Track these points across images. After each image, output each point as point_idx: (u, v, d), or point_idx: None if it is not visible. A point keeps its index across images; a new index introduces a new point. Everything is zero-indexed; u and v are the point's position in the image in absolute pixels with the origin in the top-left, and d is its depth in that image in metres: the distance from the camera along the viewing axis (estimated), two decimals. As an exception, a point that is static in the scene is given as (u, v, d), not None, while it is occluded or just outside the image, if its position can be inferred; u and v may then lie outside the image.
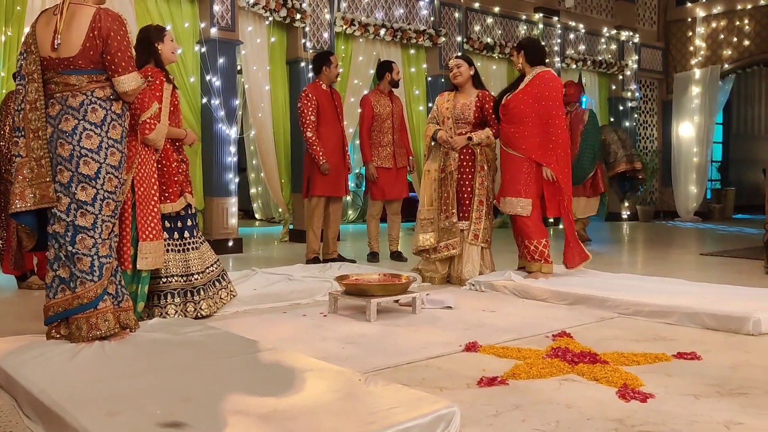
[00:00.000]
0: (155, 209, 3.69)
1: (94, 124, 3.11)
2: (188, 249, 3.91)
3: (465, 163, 5.09)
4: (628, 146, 8.48)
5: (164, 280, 3.81)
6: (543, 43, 10.89)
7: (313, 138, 5.86)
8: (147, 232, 3.60)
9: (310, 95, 5.93)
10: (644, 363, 2.94)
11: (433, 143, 5.20)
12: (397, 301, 4.11)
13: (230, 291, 4.09)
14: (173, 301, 3.80)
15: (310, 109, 5.88)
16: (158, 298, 3.80)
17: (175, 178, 3.89)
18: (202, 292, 3.90)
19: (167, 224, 3.87)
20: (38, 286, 4.77)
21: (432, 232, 5.07)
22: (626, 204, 12.09)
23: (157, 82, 3.82)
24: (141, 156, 3.61)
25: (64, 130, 3.09)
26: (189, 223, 3.95)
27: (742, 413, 2.33)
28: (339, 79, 6.46)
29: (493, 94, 5.34)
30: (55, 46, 3.08)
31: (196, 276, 3.90)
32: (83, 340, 3.09)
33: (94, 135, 3.11)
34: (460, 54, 5.33)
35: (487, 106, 5.13)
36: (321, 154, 5.85)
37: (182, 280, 3.86)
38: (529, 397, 2.51)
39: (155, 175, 3.73)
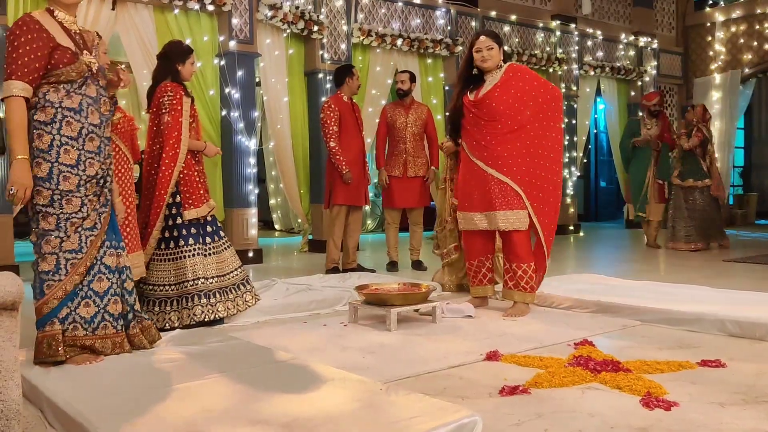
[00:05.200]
0: (131, 220, 3.83)
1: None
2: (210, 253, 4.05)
3: None
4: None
5: (201, 281, 3.92)
6: (560, 50, 10.92)
7: (336, 148, 5.93)
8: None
9: (332, 106, 6.00)
10: (668, 371, 2.91)
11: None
12: (417, 311, 4.10)
13: (254, 295, 4.18)
14: (199, 302, 3.89)
15: (333, 119, 5.95)
16: (191, 300, 3.89)
17: (200, 185, 4.05)
18: (218, 295, 3.98)
19: (193, 230, 3.99)
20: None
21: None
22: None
23: (177, 96, 3.98)
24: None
25: None
26: (209, 229, 4.08)
27: (769, 421, 2.30)
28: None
29: None
30: None
31: (219, 279, 4.02)
32: (35, 361, 2.95)
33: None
34: None
35: None
36: (344, 163, 5.90)
37: (215, 281, 3.98)
38: (551, 406, 2.49)
39: (133, 187, 3.85)
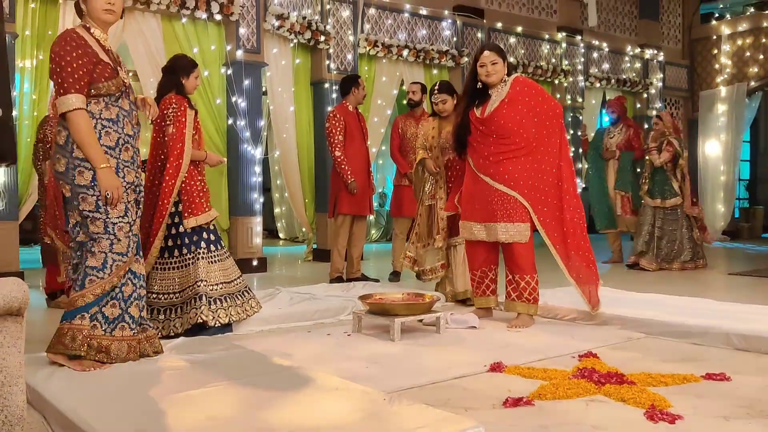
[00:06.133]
0: None
1: (60, 146, 3.09)
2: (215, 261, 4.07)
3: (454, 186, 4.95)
4: None
5: (202, 284, 3.93)
6: (566, 62, 10.95)
7: (342, 157, 5.95)
8: None
9: (338, 116, 6.03)
10: (672, 384, 2.90)
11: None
12: (421, 321, 4.10)
13: (257, 301, 4.19)
14: (207, 306, 3.90)
15: (339, 129, 5.99)
16: (196, 303, 3.89)
17: (200, 195, 4.07)
18: (228, 300, 3.99)
19: (195, 238, 4.02)
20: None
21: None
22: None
23: (181, 109, 4.04)
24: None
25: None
26: (208, 237, 4.08)
27: (774, 436, 2.29)
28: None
29: None
30: None
31: (222, 284, 4.03)
32: (49, 350, 3.03)
33: (61, 158, 3.08)
34: (442, 84, 5.17)
35: None
36: (349, 173, 5.92)
37: (222, 287, 3.99)
38: (555, 417, 2.48)
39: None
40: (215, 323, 3.89)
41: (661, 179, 7.35)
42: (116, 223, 3.11)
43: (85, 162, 3.05)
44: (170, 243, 4.01)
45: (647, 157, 7.45)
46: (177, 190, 3.97)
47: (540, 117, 4.18)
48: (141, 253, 3.31)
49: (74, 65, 3.01)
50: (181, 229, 4.00)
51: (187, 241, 4.00)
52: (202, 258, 3.98)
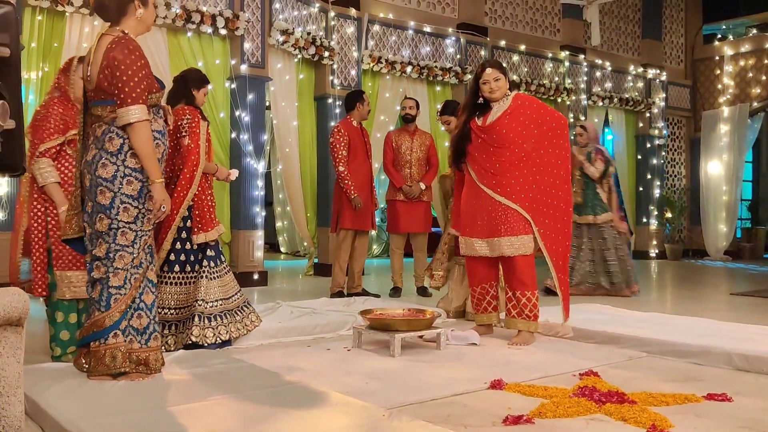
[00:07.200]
0: None
1: (110, 153, 3.05)
2: (213, 277, 4.03)
3: None
4: None
5: (199, 303, 3.91)
6: (569, 81, 10.98)
7: (345, 173, 5.98)
8: (61, 261, 3.62)
9: (342, 131, 6.06)
10: (673, 403, 2.88)
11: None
12: (421, 337, 4.09)
13: (257, 315, 4.17)
14: (209, 324, 3.88)
15: (342, 144, 6.01)
16: (194, 322, 3.86)
17: (210, 210, 4.05)
18: (228, 316, 3.98)
19: (200, 256, 4.01)
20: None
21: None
22: (654, 242, 12.08)
23: (195, 120, 4.04)
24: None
25: (88, 161, 3.12)
26: (210, 253, 4.05)
27: (776, 457, 2.27)
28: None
29: None
30: (87, 78, 3.13)
31: (223, 300, 4.00)
32: (92, 374, 3.03)
33: (109, 164, 3.04)
34: (445, 106, 5.31)
35: None
36: (352, 188, 5.94)
37: (221, 303, 3.98)
38: (555, 436, 2.47)
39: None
40: (215, 340, 3.87)
41: (591, 193, 6.71)
42: (143, 236, 3.12)
43: (137, 172, 3.06)
44: (172, 257, 3.97)
45: (583, 171, 6.68)
46: (188, 203, 3.95)
47: (541, 128, 4.21)
48: (153, 261, 3.29)
49: (140, 75, 3.00)
50: (188, 246, 3.98)
51: (192, 258, 3.99)
52: (205, 276, 3.97)
